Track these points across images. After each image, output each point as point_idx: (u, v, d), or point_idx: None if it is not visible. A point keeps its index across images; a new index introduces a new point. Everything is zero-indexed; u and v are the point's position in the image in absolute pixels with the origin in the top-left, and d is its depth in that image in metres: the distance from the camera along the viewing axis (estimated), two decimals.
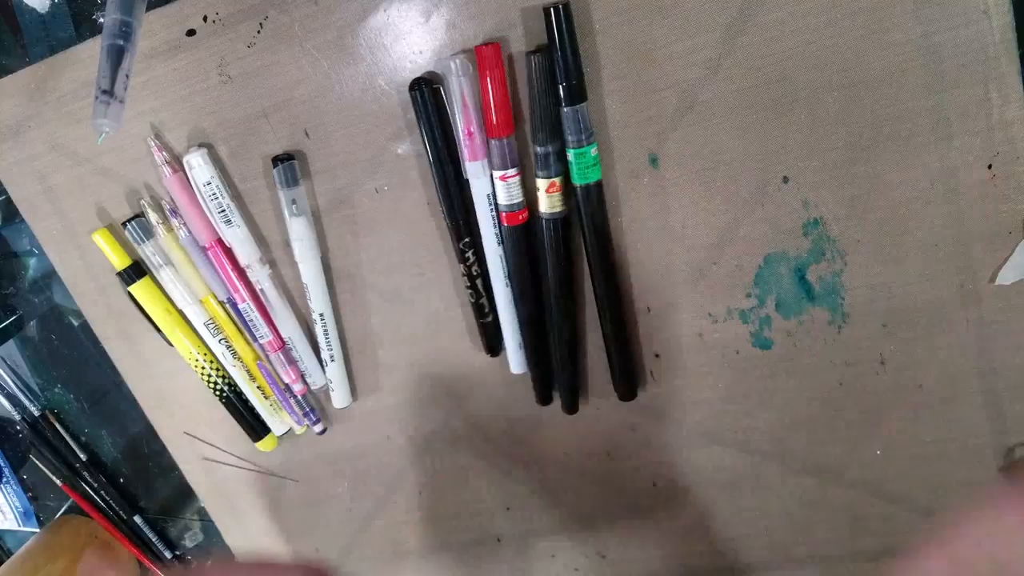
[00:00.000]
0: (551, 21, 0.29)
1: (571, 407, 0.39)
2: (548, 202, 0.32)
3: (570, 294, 0.35)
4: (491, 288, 0.36)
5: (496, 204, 0.33)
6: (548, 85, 0.30)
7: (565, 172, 0.32)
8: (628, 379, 0.37)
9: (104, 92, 0.28)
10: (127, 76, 0.29)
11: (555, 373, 0.38)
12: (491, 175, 0.32)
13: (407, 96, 0.33)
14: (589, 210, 0.32)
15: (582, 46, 0.31)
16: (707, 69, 0.30)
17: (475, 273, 0.36)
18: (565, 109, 0.30)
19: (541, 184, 0.32)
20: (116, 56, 0.29)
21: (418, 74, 0.33)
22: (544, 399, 0.39)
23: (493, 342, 0.38)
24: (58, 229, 0.41)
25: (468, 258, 0.35)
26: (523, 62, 0.31)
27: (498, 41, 0.31)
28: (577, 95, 0.30)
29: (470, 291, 0.36)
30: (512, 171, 0.32)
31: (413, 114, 0.33)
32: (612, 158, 0.33)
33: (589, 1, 0.30)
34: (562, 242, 0.33)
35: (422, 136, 0.33)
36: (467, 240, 0.35)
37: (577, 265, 0.35)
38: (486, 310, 0.37)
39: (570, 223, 0.34)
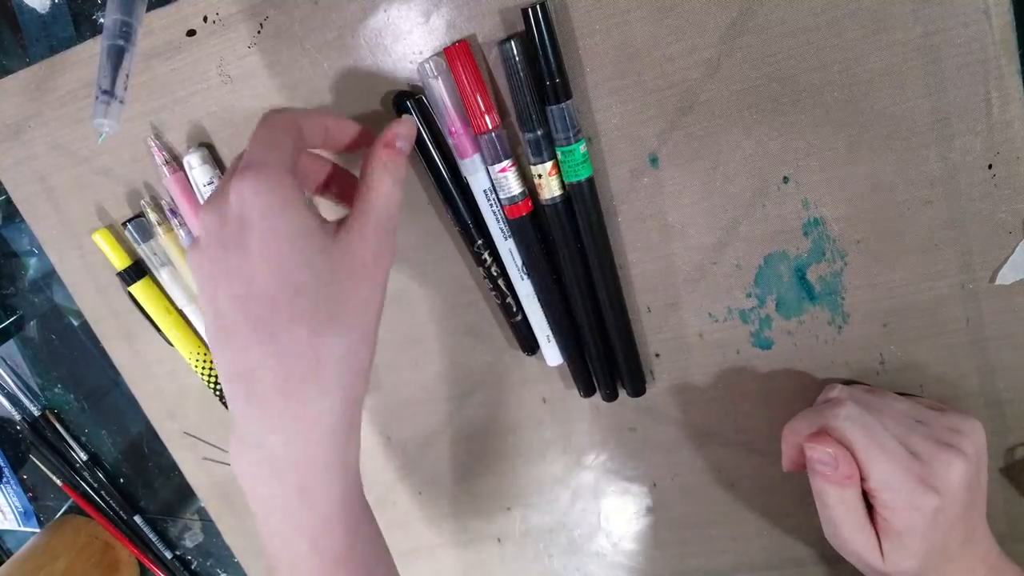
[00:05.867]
0: (530, 20, 0.29)
1: (611, 394, 0.38)
2: (549, 187, 0.32)
3: (589, 277, 0.34)
4: (514, 286, 0.36)
5: (498, 199, 0.33)
6: (525, 70, 0.30)
7: None
8: (635, 375, 0.37)
9: (104, 92, 0.28)
10: (127, 76, 0.29)
11: (591, 361, 0.37)
12: (487, 170, 0.32)
13: None
14: (583, 208, 0.32)
15: (583, 46, 0.31)
16: (707, 69, 0.30)
17: (495, 274, 0.35)
18: (551, 107, 0.30)
19: (538, 170, 0.32)
20: (116, 56, 0.29)
21: (413, 81, 0.33)
22: (587, 390, 0.38)
23: (528, 341, 0.37)
24: (58, 229, 0.41)
25: (485, 260, 0.35)
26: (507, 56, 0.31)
27: (472, 39, 0.31)
28: (561, 93, 0.30)
29: (494, 293, 0.36)
30: (506, 163, 0.32)
31: None
32: (612, 158, 0.33)
33: (590, 1, 0.30)
34: (568, 224, 0.33)
35: (415, 148, 0.33)
36: (480, 242, 0.35)
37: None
38: (514, 309, 0.36)
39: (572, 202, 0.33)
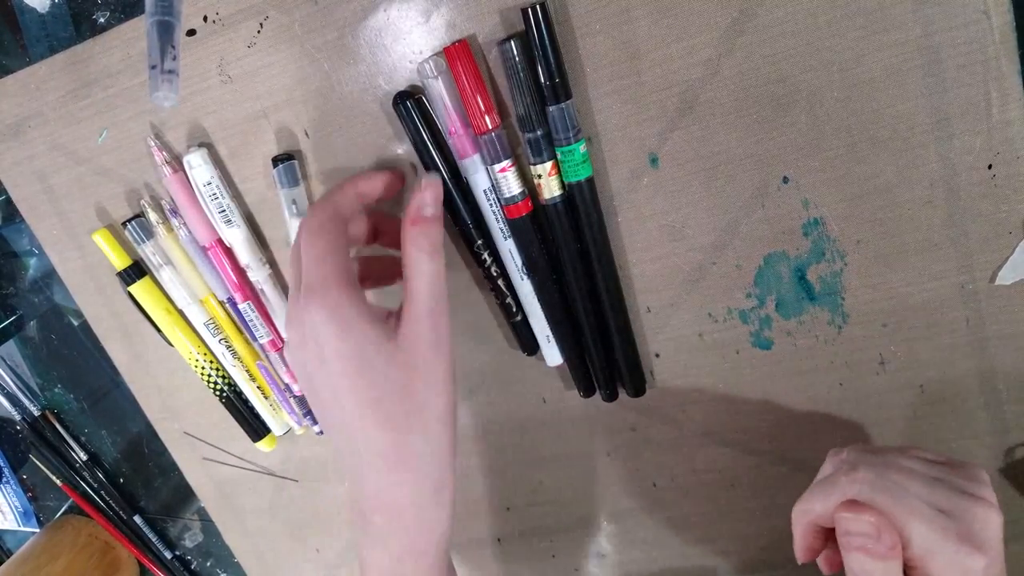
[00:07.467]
0: (529, 20, 0.29)
1: (611, 394, 0.38)
2: (549, 187, 0.32)
3: (589, 276, 0.34)
4: (514, 286, 0.36)
5: (498, 199, 0.33)
6: (525, 70, 0.30)
7: None
8: (635, 375, 0.37)
9: (153, 67, 0.28)
10: (174, 47, 0.29)
11: (591, 361, 0.37)
12: (487, 171, 0.32)
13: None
14: (583, 208, 0.32)
15: (583, 46, 0.31)
16: (707, 69, 0.30)
17: (495, 274, 0.35)
18: (551, 108, 0.30)
19: (538, 170, 0.32)
20: (162, 31, 0.29)
21: (413, 81, 0.33)
22: (587, 390, 0.38)
23: (528, 341, 0.37)
24: (58, 229, 0.41)
25: (485, 260, 0.35)
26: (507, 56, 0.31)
27: (472, 39, 0.31)
28: (561, 93, 0.30)
29: (493, 292, 0.36)
30: (506, 163, 0.32)
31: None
32: (612, 158, 0.33)
33: (590, 1, 0.30)
34: (568, 224, 0.33)
35: (415, 148, 0.33)
36: (480, 243, 0.35)
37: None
38: (514, 309, 0.36)
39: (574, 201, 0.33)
